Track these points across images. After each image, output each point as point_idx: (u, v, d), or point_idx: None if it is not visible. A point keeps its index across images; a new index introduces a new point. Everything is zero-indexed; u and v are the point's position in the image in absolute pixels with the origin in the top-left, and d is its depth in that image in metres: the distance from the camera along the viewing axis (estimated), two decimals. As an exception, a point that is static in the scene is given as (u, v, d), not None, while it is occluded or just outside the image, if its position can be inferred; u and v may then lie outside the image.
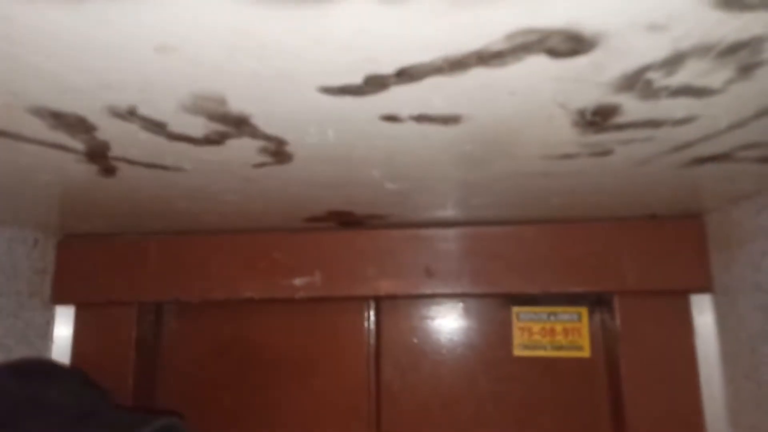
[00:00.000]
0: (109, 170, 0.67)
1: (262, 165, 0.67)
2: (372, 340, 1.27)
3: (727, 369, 1.02)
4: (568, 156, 0.65)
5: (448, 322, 1.28)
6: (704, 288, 1.06)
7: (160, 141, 0.57)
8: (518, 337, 1.23)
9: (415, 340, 1.28)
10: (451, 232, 1.17)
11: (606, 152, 0.63)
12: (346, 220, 1.11)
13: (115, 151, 0.60)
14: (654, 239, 1.10)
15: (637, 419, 1.06)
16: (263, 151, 0.62)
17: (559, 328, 1.22)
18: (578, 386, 1.19)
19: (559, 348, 1.21)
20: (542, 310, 1.23)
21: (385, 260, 1.18)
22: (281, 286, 1.19)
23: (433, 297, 1.23)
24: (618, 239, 1.11)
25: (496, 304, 1.26)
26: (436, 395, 1.24)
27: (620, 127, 0.55)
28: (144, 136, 0.55)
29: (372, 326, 1.28)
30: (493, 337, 1.25)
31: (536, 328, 1.23)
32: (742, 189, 0.87)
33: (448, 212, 1.07)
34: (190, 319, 1.35)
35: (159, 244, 1.25)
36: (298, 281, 1.18)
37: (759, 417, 0.90)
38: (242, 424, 1.27)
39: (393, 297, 1.22)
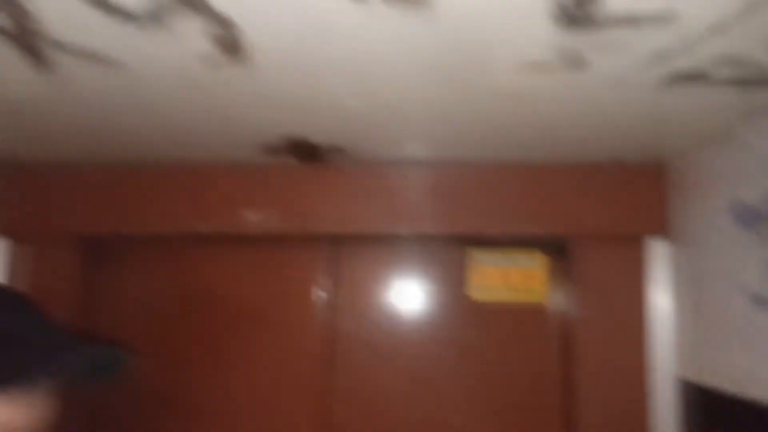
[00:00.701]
0: (42, 60, 0.60)
1: (212, 62, 0.61)
2: (329, 284, 1.23)
3: (676, 310, 1.04)
4: (542, 67, 0.61)
5: (406, 266, 1.25)
6: (660, 233, 1.07)
7: (97, 17, 0.50)
8: (475, 282, 1.22)
9: (372, 283, 1.25)
10: (414, 173, 1.14)
11: (581, 64, 0.61)
12: (306, 154, 1.06)
13: (47, 29, 0.53)
14: (615, 185, 1.10)
15: (587, 362, 1.08)
16: (212, 39, 0.56)
17: (516, 273, 1.21)
18: (532, 330, 1.20)
19: (516, 293, 1.21)
20: (500, 256, 1.22)
21: (344, 199, 1.13)
22: (233, 221, 1.13)
23: (393, 238, 1.20)
24: (580, 183, 1.10)
25: (455, 248, 1.24)
26: (391, 338, 1.22)
27: (599, 24, 0.51)
28: (77, 9, 0.49)
29: (329, 268, 1.24)
30: (450, 282, 1.23)
31: (494, 272, 1.22)
32: (708, 128, 0.86)
33: (414, 148, 1.03)
34: (135, 255, 1.27)
35: (101, 174, 1.16)
36: (251, 217, 1.13)
37: (702, 352, 0.92)
38: (189, 369, 1.22)
39: (352, 237, 1.18)
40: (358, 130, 0.91)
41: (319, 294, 1.23)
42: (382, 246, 1.26)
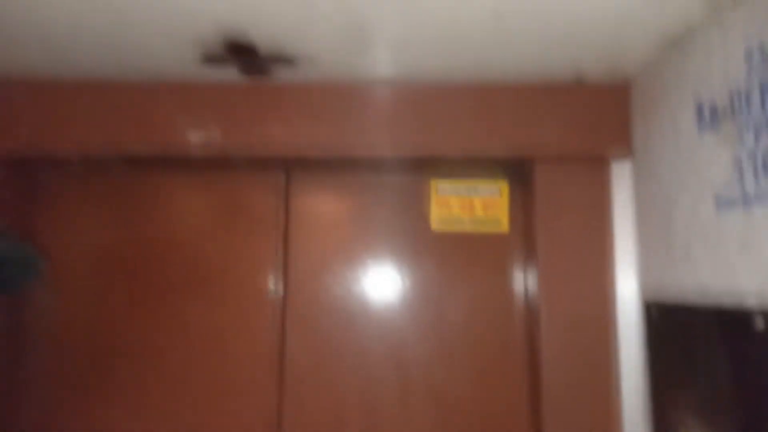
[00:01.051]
0: None
1: None
2: (281, 214, 1.16)
3: (641, 233, 1.00)
4: None
5: (364, 196, 1.18)
6: (625, 154, 1.02)
7: None
8: (436, 212, 1.16)
9: (328, 214, 1.18)
10: (370, 90, 1.06)
11: None
12: (249, 62, 0.96)
13: None
14: (579, 104, 1.04)
15: (550, 290, 1.03)
16: None
17: (478, 202, 1.16)
18: (495, 261, 1.15)
19: (478, 223, 1.15)
20: (462, 184, 1.16)
21: (295, 117, 1.05)
22: (175, 143, 1.04)
23: (350, 163, 1.12)
24: (543, 103, 1.04)
25: (416, 177, 1.17)
26: (346, 273, 1.16)
27: None
28: None
29: (282, 198, 1.16)
30: (411, 212, 1.17)
31: (455, 202, 1.16)
32: (670, 28, 0.80)
33: (363, 55, 0.95)
34: (72, 183, 1.17)
35: (26, 88, 1.05)
36: (193, 137, 1.04)
37: (667, 271, 0.88)
38: (132, 308, 1.14)
39: (304, 161, 1.10)
40: (304, 28, 0.82)
41: (271, 224, 1.15)
42: (339, 175, 1.18)
